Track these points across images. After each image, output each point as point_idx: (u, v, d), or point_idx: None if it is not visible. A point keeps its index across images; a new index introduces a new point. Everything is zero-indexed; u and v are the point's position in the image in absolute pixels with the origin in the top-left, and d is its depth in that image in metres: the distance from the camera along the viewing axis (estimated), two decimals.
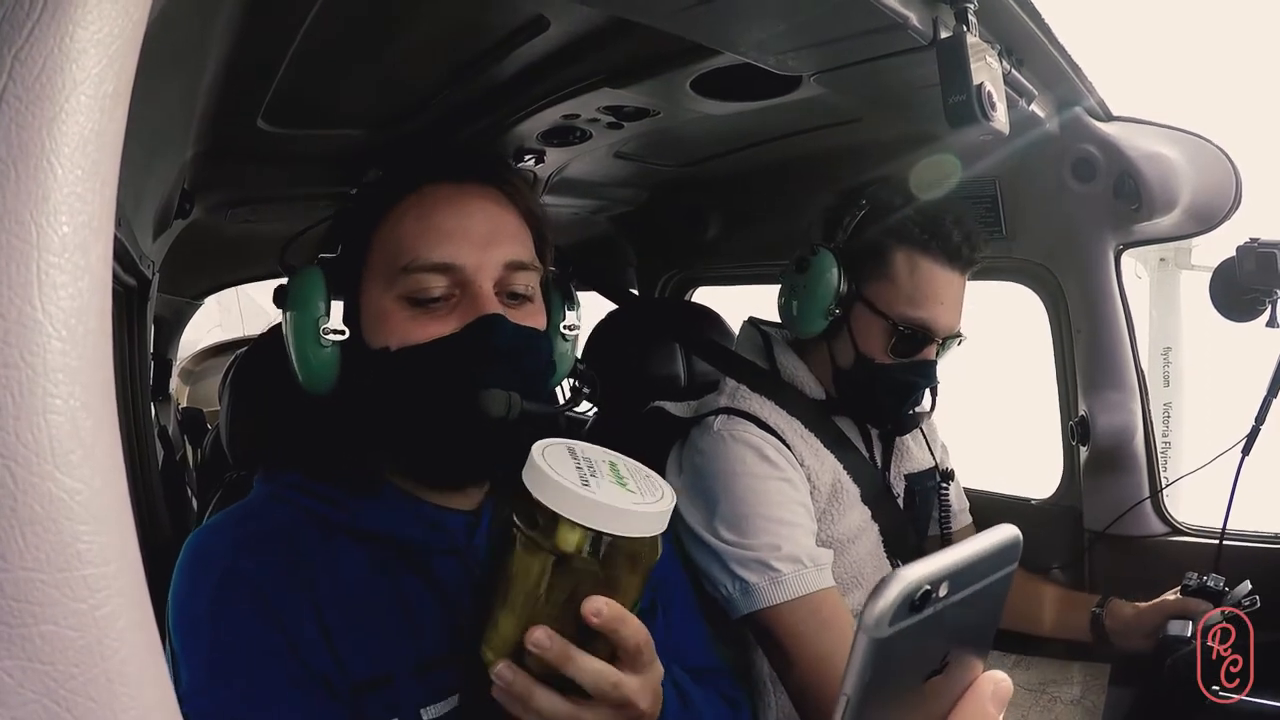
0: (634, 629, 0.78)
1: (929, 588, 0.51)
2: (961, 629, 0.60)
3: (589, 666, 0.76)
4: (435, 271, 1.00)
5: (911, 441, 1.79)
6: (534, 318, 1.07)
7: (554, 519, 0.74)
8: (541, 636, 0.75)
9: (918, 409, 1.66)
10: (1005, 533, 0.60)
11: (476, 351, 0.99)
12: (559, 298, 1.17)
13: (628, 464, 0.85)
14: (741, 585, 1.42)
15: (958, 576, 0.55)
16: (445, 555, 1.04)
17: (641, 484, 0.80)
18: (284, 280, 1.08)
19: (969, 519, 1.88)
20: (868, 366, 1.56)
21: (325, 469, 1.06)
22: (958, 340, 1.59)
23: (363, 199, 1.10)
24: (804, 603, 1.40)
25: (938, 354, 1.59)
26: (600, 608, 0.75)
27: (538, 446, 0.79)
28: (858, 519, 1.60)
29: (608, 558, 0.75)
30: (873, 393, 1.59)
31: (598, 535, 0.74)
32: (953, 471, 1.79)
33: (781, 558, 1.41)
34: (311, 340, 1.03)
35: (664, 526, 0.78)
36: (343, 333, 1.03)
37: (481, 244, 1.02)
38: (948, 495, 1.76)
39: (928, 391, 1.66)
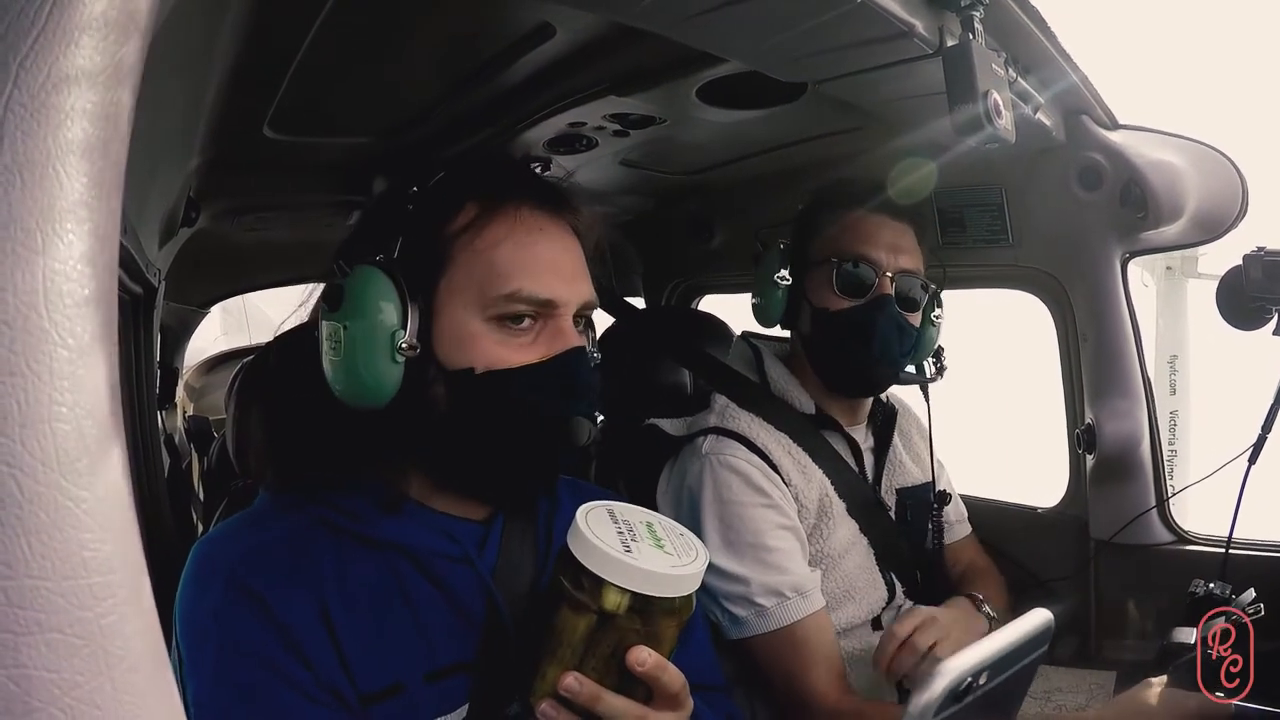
0: (672, 675, 0.86)
1: (971, 679, 0.56)
2: (995, 708, 0.65)
3: (617, 705, 0.84)
4: (533, 304, 1.00)
5: (905, 455, 1.79)
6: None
7: (599, 582, 0.81)
8: (571, 682, 0.82)
9: (902, 366, 1.63)
10: (1039, 618, 0.68)
11: (566, 383, 1.02)
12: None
13: (664, 523, 0.92)
14: (729, 615, 1.48)
15: (997, 665, 0.60)
16: (456, 563, 1.03)
17: (677, 544, 0.87)
18: (334, 280, 1.00)
19: (967, 529, 1.87)
20: (824, 317, 1.59)
21: (349, 482, 1.03)
22: (919, 285, 1.60)
23: (436, 203, 1.04)
24: (787, 632, 1.46)
25: (925, 312, 1.63)
26: (644, 658, 0.83)
27: (581, 511, 0.86)
28: (847, 533, 1.61)
29: (648, 615, 0.83)
30: (836, 343, 1.60)
31: (638, 596, 0.81)
32: (948, 494, 1.78)
33: (764, 591, 1.46)
34: (383, 353, 0.96)
35: (698, 584, 0.85)
36: (416, 348, 0.97)
37: (570, 279, 1.04)
38: (940, 517, 1.76)
39: (925, 351, 1.67)
